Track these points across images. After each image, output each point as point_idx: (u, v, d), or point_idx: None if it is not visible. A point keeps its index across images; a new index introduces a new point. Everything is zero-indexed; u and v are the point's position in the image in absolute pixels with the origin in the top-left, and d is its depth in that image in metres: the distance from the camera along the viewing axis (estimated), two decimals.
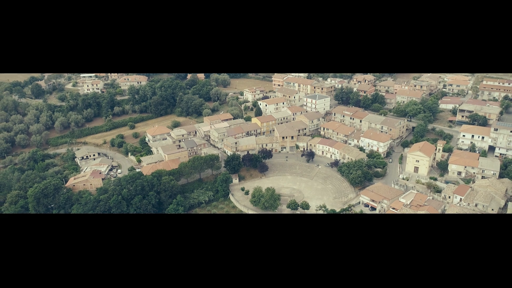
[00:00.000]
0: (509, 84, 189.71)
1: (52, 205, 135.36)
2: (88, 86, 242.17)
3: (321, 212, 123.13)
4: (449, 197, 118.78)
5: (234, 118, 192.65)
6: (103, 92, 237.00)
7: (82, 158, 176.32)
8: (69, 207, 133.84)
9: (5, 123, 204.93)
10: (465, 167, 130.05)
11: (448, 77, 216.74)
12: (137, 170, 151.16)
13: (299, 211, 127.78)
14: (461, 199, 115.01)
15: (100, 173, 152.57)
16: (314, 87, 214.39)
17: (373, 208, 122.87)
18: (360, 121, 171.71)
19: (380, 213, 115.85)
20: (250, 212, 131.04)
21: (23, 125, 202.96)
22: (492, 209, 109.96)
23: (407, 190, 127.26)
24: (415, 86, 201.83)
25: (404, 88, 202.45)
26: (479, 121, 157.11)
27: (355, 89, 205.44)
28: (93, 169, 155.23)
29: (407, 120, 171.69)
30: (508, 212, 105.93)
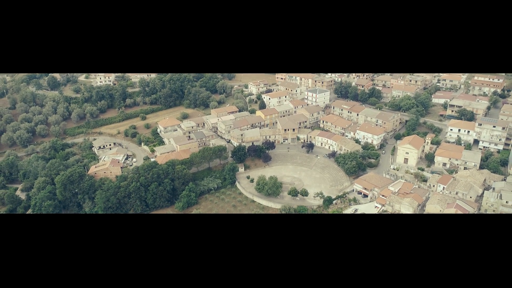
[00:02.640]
0: (498, 80, 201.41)
1: (76, 191, 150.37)
2: (100, 78, 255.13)
3: (318, 198, 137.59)
4: (434, 185, 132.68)
5: (239, 111, 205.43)
6: (115, 84, 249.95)
7: (99, 147, 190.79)
8: (92, 192, 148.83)
9: (26, 114, 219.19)
10: (450, 159, 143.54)
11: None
12: (152, 159, 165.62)
13: (299, 197, 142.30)
14: (443, 187, 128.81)
15: (118, 162, 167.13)
16: (315, 81, 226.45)
17: (365, 195, 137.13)
18: (357, 114, 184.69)
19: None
20: (255, 198, 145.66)
21: (42, 116, 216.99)
22: (471, 197, 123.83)
23: (396, 179, 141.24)
24: (410, 80, 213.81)
25: (400, 82, 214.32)
26: (467, 116, 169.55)
27: (353, 83, 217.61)
28: (111, 158, 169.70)
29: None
30: (484, 199, 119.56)
